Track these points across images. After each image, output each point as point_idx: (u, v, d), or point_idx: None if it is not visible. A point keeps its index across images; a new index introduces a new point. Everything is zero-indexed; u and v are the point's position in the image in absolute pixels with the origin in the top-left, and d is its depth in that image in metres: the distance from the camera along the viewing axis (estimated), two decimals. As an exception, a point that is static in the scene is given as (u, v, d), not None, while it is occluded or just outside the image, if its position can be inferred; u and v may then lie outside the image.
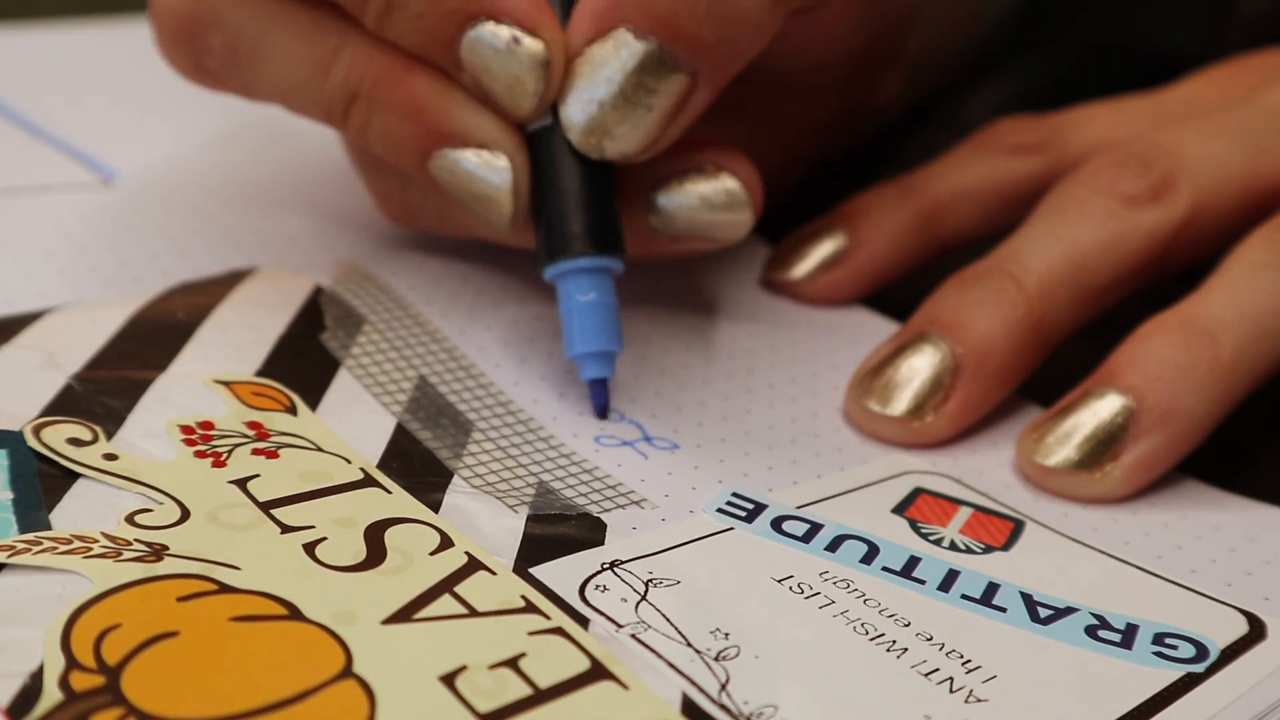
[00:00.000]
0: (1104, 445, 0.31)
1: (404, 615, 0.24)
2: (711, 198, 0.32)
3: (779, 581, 0.27)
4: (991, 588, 0.27)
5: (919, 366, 0.32)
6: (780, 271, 0.38)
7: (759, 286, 0.38)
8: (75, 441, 0.27)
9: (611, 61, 0.30)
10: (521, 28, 0.30)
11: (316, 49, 0.32)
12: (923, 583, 0.27)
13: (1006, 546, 0.29)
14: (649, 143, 0.30)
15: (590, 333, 0.31)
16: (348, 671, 0.23)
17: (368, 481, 0.28)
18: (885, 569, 0.28)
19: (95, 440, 0.28)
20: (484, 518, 0.27)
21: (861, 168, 0.41)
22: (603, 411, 0.32)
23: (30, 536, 0.25)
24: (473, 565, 0.26)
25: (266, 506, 0.27)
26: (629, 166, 0.32)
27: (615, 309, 0.31)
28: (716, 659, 0.24)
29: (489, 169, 0.31)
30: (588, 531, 0.28)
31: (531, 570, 0.26)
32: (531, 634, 0.24)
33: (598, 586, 0.26)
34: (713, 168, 0.32)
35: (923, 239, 0.37)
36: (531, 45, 0.30)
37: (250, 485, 0.27)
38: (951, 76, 0.54)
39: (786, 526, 0.28)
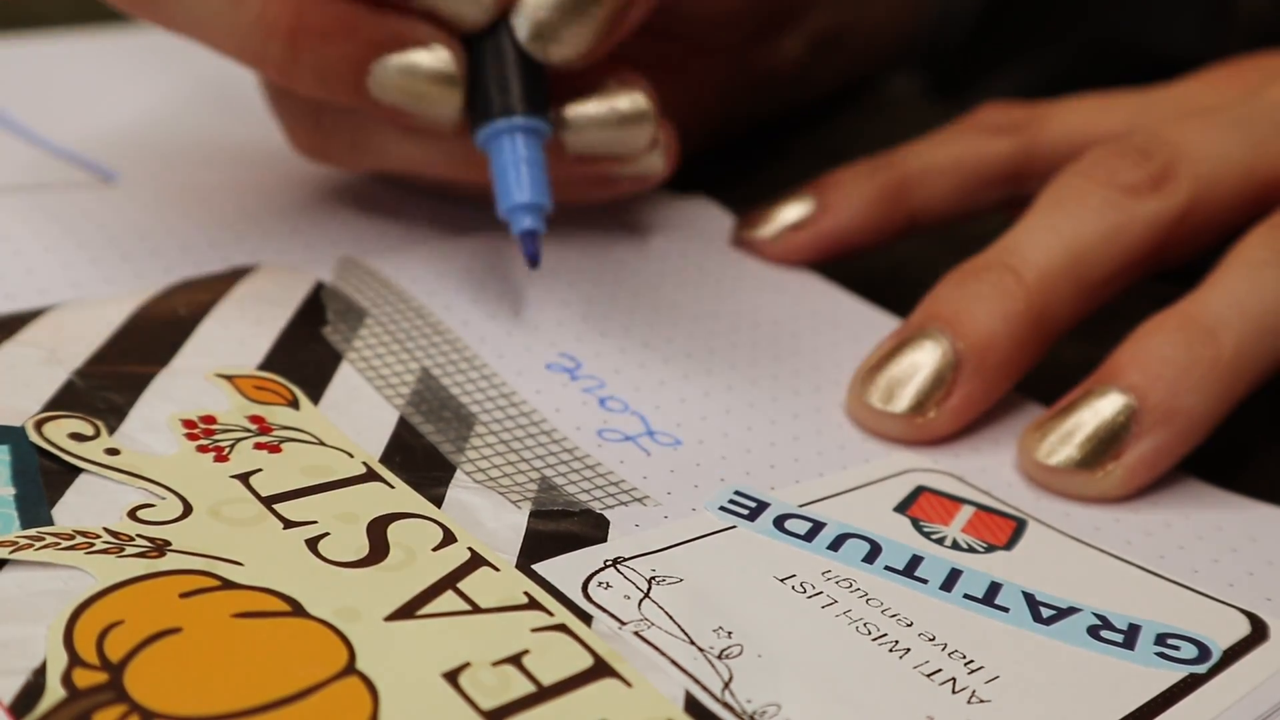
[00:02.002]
0: (1105, 444, 0.31)
1: (407, 612, 0.24)
2: (619, 108, 0.34)
3: (781, 580, 0.27)
4: (994, 587, 0.27)
5: (921, 362, 0.32)
6: (748, 231, 0.40)
7: (761, 286, 0.38)
8: (77, 436, 0.27)
9: None
10: None
11: None
12: (925, 582, 0.27)
13: (1009, 546, 0.29)
14: (590, 47, 0.32)
15: (523, 186, 0.32)
16: (350, 668, 0.23)
17: (370, 476, 0.28)
18: (888, 568, 0.28)
19: (97, 435, 0.28)
20: (487, 513, 0.27)
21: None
22: (534, 260, 0.33)
23: (32, 532, 0.25)
24: (476, 561, 0.26)
25: (269, 501, 0.27)
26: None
27: (544, 167, 0.33)
28: (719, 657, 0.24)
29: (430, 61, 0.32)
30: (591, 528, 0.28)
31: (534, 567, 0.26)
32: (534, 631, 0.24)
33: (601, 583, 0.26)
34: (616, 84, 0.34)
35: (889, 210, 0.39)
36: None
37: (252, 480, 0.27)
38: (889, 58, 0.55)
39: (789, 525, 0.28)
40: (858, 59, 0.52)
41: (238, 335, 0.32)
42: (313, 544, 0.26)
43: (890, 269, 0.40)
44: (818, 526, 0.29)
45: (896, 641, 0.26)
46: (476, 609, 0.25)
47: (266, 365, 0.31)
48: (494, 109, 0.32)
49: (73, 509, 0.26)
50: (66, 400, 0.29)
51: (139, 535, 0.25)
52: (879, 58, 0.54)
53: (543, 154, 0.33)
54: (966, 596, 0.27)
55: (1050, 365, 0.33)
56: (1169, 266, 0.35)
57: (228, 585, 0.24)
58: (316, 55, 0.32)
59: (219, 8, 0.31)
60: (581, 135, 0.34)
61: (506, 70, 0.33)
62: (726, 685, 0.24)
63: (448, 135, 0.34)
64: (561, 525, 0.27)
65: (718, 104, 0.43)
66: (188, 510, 0.26)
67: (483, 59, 0.33)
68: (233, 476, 0.27)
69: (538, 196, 0.32)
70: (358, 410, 0.30)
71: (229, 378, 0.30)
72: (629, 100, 0.34)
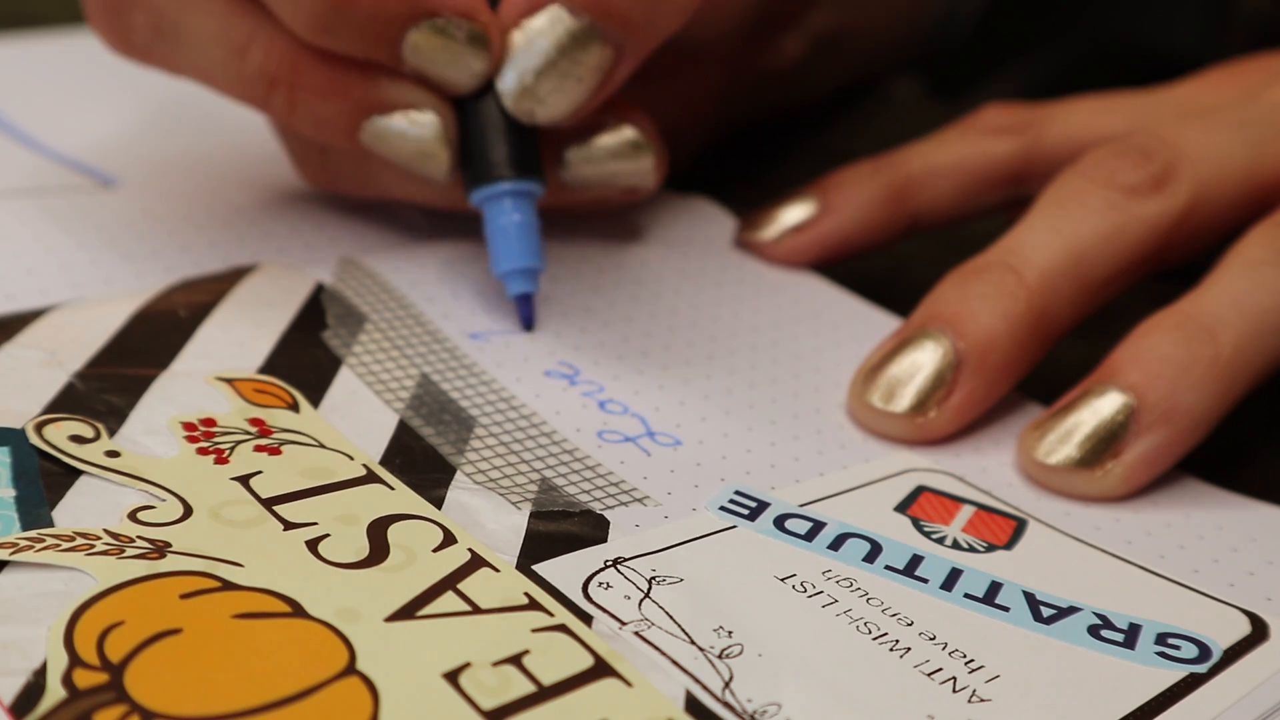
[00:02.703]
0: (1105, 443, 0.31)
1: (407, 612, 0.24)
2: (616, 148, 0.35)
3: (782, 580, 0.27)
4: (994, 587, 0.27)
5: (921, 362, 0.32)
6: (750, 232, 0.40)
7: (761, 286, 0.38)
8: (77, 439, 0.27)
9: (545, 35, 0.32)
10: (464, 18, 0.32)
11: (232, 33, 0.32)
12: (925, 581, 0.27)
13: (1009, 545, 0.29)
14: (576, 108, 0.33)
15: (515, 251, 0.33)
16: (351, 669, 0.23)
17: (370, 478, 0.28)
18: (888, 568, 0.28)
19: (97, 437, 0.28)
20: (487, 514, 0.27)
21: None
22: (528, 324, 0.34)
23: (33, 534, 0.25)
24: (476, 562, 0.26)
25: (269, 503, 0.27)
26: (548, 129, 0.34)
27: (537, 230, 0.34)
28: (720, 657, 0.24)
29: (420, 126, 0.33)
30: (591, 529, 0.28)
31: (535, 567, 0.26)
32: (535, 631, 0.24)
33: (601, 584, 0.26)
34: (614, 122, 0.35)
35: (892, 211, 0.39)
36: (473, 30, 0.32)
37: (253, 482, 0.27)
38: (891, 60, 0.55)
39: (789, 525, 0.28)
40: (859, 60, 0.52)
41: (238, 338, 0.32)
42: (313, 545, 0.26)
43: (890, 269, 0.40)
44: (818, 526, 0.29)
45: (897, 641, 0.26)
46: (477, 609, 0.25)
47: (266, 368, 0.31)
48: (485, 173, 0.33)
49: (73, 511, 0.26)
50: (67, 402, 0.29)
51: (139, 537, 0.25)
52: (881, 59, 0.54)
53: (535, 215, 0.34)
54: (967, 596, 0.27)
55: (1050, 365, 0.33)
56: (1169, 267, 0.35)
57: (228, 586, 0.24)
58: (312, 109, 0.33)
59: (223, 60, 0.33)
60: (578, 172, 0.35)
61: (496, 134, 0.33)
62: (727, 685, 0.24)
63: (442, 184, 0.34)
64: (562, 526, 0.27)
65: (715, 107, 0.43)
66: (188, 512, 0.26)
67: (473, 121, 0.33)
68: (233, 478, 0.27)
69: (530, 260, 0.33)
70: (358, 413, 0.30)
71: (229, 381, 0.30)
72: (624, 136, 0.35)
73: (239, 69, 0.33)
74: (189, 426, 0.29)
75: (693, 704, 0.23)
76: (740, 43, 0.42)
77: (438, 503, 0.28)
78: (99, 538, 0.25)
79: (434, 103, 0.33)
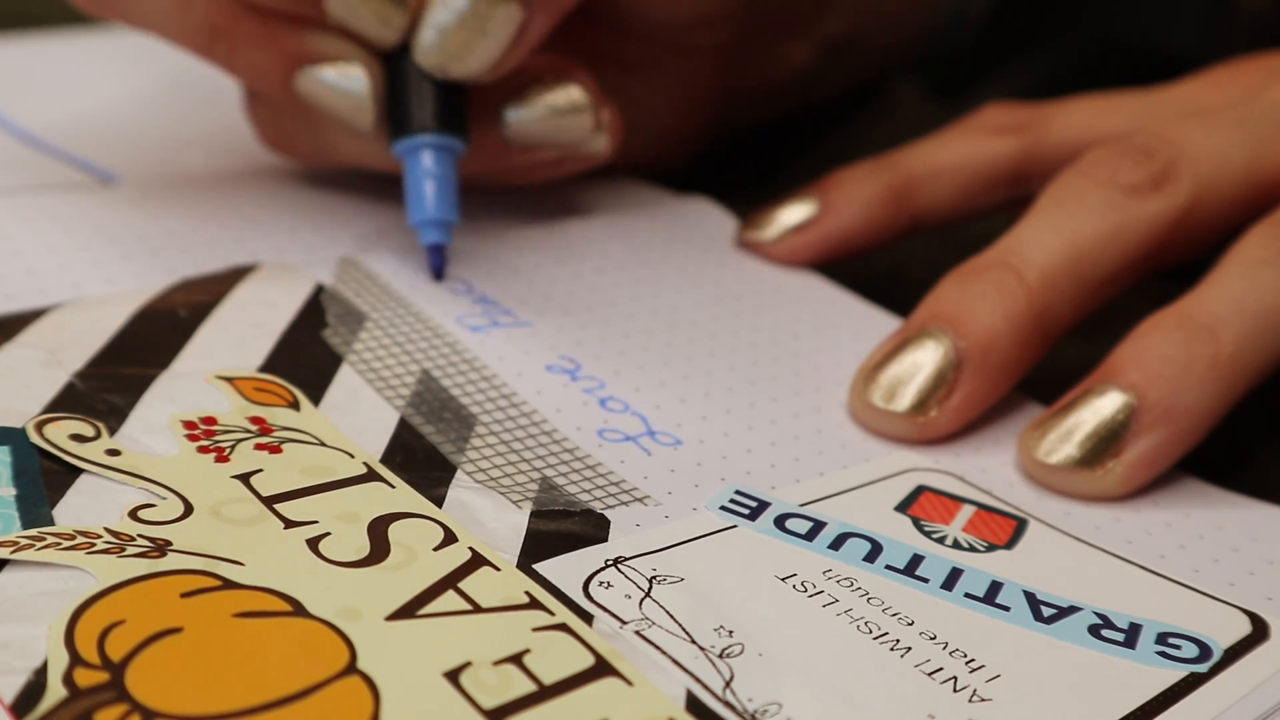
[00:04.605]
0: (1105, 442, 0.31)
1: (408, 611, 0.24)
2: (556, 104, 0.36)
3: (782, 580, 0.27)
4: (995, 586, 0.27)
5: (922, 361, 0.32)
6: (751, 232, 0.40)
7: (764, 284, 0.38)
8: (78, 437, 0.27)
9: None
10: None
11: None
12: (926, 581, 0.27)
13: (1010, 545, 0.29)
14: (488, 66, 0.34)
15: (432, 201, 0.34)
16: (352, 668, 0.23)
17: (371, 476, 0.28)
18: (888, 567, 0.28)
19: (98, 436, 0.28)
20: (488, 513, 0.27)
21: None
22: (438, 274, 0.35)
23: (33, 532, 0.25)
24: (476, 561, 0.26)
25: (269, 501, 0.27)
26: (477, 87, 0.35)
27: (455, 184, 0.34)
28: (721, 656, 0.24)
29: (347, 79, 0.34)
30: (591, 528, 0.28)
31: (535, 566, 0.26)
32: (536, 630, 0.24)
33: (602, 583, 0.26)
34: (553, 78, 0.36)
35: (893, 211, 0.39)
36: None
37: (253, 480, 0.27)
38: (898, 62, 0.55)
39: (790, 524, 0.28)
40: (866, 64, 0.52)
41: (238, 337, 0.32)
42: (314, 544, 0.26)
43: (891, 269, 0.40)
44: (818, 526, 0.29)
45: (898, 640, 0.26)
46: (477, 608, 0.25)
47: (267, 367, 0.31)
48: (405, 126, 0.34)
49: (73, 509, 0.26)
50: (67, 402, 0.29)
51: (140, 535, 0.25)
52: (889, 62, 0.54)
53: (453, 169, 0.35)
54: (967, 596, 0.27)
55: (1050, 365, 0.33)
56: (1170, 266, 0.35)
57: (229, 585, 0.24)
58: (249, 57, 0.34)
59: (169, 9, 0.34)
60: (519, 130, 0.36)
61: (418, 89, 0.34)
62: (728, 684, 0.24)
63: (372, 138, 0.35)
64: (562, 525, 0.27)
65: (712, 107, 0.43)
66: (189, 510, 0.26)
67: (397, 78, 0.34)
68: (233, 477, 0.27)
69: (444, 213, 0.34)
70: (358, 411, 0.30)
71: (229, 379, 0.30)
72: (565, 94, 0.36)
73: (183, 19, 0.34)
74: (189, 425, 0.29)
75: (693, 703, 0.23)
76: (738, 43, 0.42)
77: (438, 501, 0.28)
78: (100, 536, 0.25)
79: (362, 56, 0.34)
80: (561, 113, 0.36)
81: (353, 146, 0.36)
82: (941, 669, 0.25)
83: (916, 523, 0.29)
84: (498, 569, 0.26)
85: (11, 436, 0.27)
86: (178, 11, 0.34)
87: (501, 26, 0.33)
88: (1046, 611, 0.27)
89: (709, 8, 0.40)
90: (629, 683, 0.23)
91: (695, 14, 0.40)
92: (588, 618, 0.25)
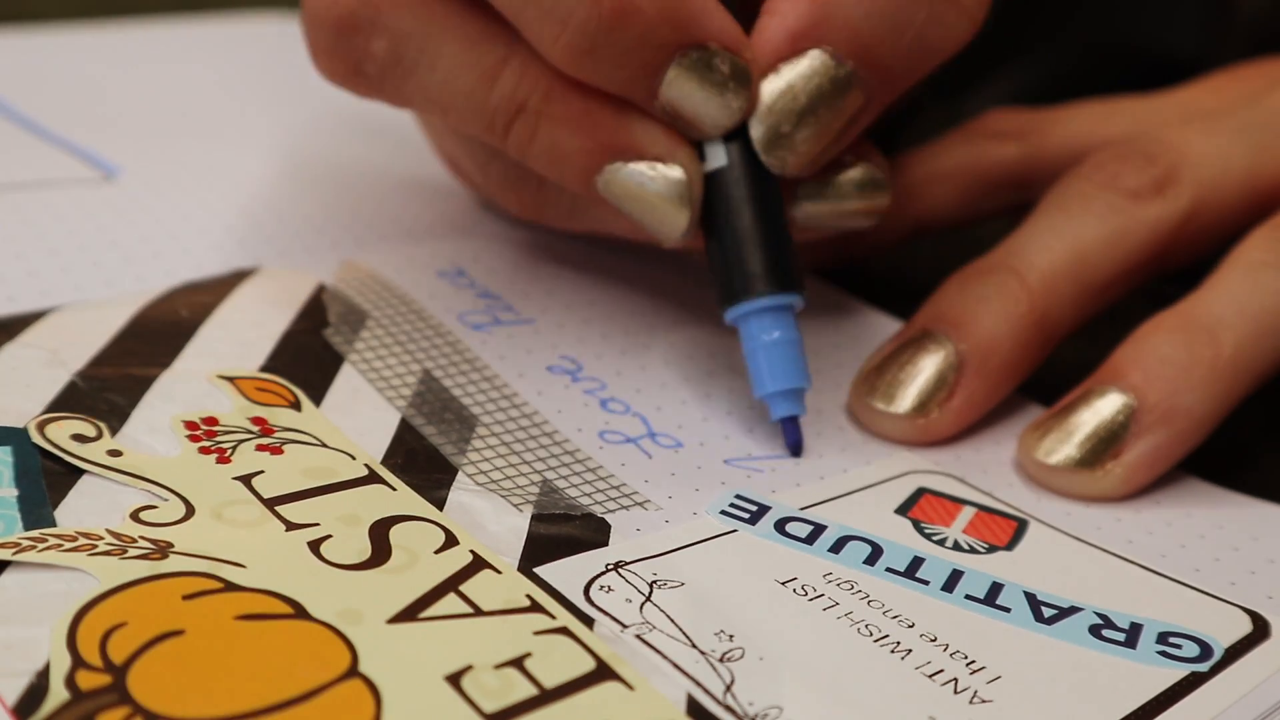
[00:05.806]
0: (1105, 443, 0.31)
1: (409, 614, 0.24)
2: (853, 187, 0.32)
3: (783, 583, 0.27)
4: (995, 588, 0.27)
5: (923, 364, 0.32)
6: None
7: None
8: (79, 438, 0.27)
9: (806, 80, 0.30)
10: (729, 51, 0.30)
11: (484, 58, 0.30)
12: (926, 583, 0.27)
13: (1010, 546, 0.29)
14: (826, 156, 0.31)
15: (779, 372, 0.31)
16: (353, 671, 0.23)
17: (372, 478, 0.28)
18: (889, 570, 0.28)
19: (99, 436, 0.28)
20: (489, 516, 0.27)
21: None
22: (796, 449, 0.31)
23: (35, 534, 0.25)
24: (478, 564, 0.26)
25: (271, 503, 0.27)
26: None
27: (800, 345, 0.31)
28: (721, 660, 0.24)
29: (664, 180, 0.30)
30: (592, 532, 0.28)
31: (536, 570, 0.26)
32: (537, 634, 0.24)
33: (602, 587, 0.26)
34: (850, 158, 0.32)
35: (894, 214, 0.38)
36: (736, 65, 0.30)
37: (255, 481, 0.27)
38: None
39: (790, 528, 0.28)
40: None
41: (239, 337, 0.32)
42: (315, 546, 0.26)
43: (892, 272, 0.40)
44: (819, 529, 0.29)
45: (898, 643, 0.26)
46: (479, 612, 0.25)
47: (268, 367, 0.31)
48: (743, 288, 0.31)
49: (75, 510, 0.26)
50: (69, 402, 0.29)
51: (141, 537, 0.25)
52: None
53: (797, 331, 0.31)
54: (968, 597, 0.27)
55: (1050, 365, 0.33)
56: (1171, 270, 0.35)
57: (230, 587, 0.24)
58: (555, 142, 0.31)
59: (470, 87, 0.31)
60: (818, 217, 0.33)
61: (741, 219, 0.31)
62: (728, 688, 0.24)
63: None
64: (563, 529, 0.27)
65: None
66: (190, 512, 0.26)
67: (718, 193, 0.31)
68: (235, 478, 0.27)
69: (797, 381, 0.31)
70: (360, 412, 0.30)
71: (231, 379, 0.30)
72: (866, 177, 0.32)
73: (485, 97, 0.31)
74: (191, 425, 0.29)
75: (694, 707, 0.23)
76: None
77: (439, 504, 0.28)
78: (101, 538, 0.25)
79: (683, 156, 0.30)
80: (857, 195, 0.32)
81: (626, 222, 0.32)
82: (942, 671, 0.25)
83: (917, 525, 0.29)
84: (499, 572, 0.26)
85: (13, 436, 0.27)
86: (481, 88, 0.31)
87: (845, 119, 0.31)
88: (1047, 612, 0.27)
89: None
90: (630, 686, 0.23)
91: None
92: (589, 621, 0.25)
